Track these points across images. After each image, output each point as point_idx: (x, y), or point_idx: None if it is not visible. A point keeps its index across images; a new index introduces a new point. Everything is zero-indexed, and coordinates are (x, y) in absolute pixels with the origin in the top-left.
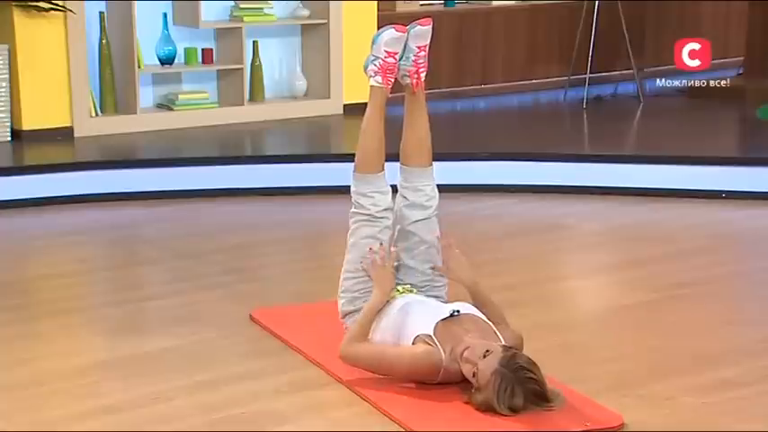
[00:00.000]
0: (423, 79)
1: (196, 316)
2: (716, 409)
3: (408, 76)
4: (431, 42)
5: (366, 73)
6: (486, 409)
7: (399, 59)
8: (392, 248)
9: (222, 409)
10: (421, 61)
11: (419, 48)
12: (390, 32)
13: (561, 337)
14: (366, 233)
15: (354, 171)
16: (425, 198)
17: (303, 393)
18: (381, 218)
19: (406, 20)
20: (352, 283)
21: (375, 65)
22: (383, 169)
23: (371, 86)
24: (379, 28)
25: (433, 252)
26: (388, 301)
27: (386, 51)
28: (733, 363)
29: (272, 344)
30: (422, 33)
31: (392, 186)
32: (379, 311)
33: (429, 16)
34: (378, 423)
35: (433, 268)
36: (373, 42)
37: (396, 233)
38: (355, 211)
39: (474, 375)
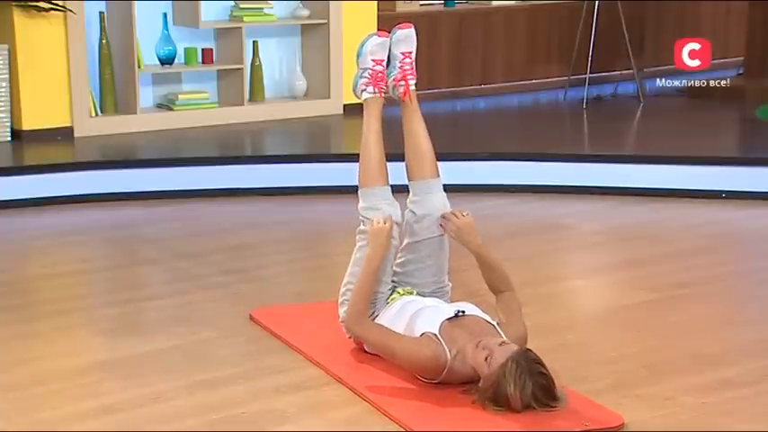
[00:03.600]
0: (411, 87)
1: (196, 316)
2: (716, 409)
3: (396, 86)
4: (426, 44)
5: (357, 92)
6: (494, 393)
7: (388, 76)
8: (394, 269)
9: (222, 409)
10: (407, 68)
11: (404, 54)
12: (373, 39)
13: (561, 337)
14: None
15: (360, 188)
16: (435, 212)
17: (303, 393)
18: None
19: (406, 20)
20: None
21: (365, 77)
22: (388, 183)
23: (365, 100)
24: (378, 28)
25: (440, 266)
26: (387, 302)
27: (372, 60)
28: (733, 363)
29: (272, 344)
30: (403, 38)
31: (394, 186)
32: (378, 302)
33: (408, 21)
34: (378, 423)
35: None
36: (358, 56)
37: (403, 245)
38: (363, 228)
39: (487, 359)
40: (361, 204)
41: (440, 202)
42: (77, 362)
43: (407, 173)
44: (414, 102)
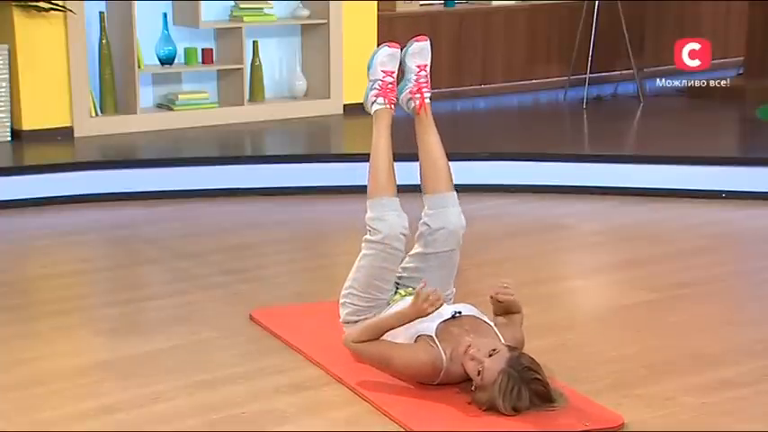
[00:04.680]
0: (427, 100)
1: (196, 316)
2: (716, 409)
3: (411, 99)
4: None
5: (367, 105)
6: (489, 407)
7: (400, 92)
8: (399, 267)
9: (222, 409)
10: (422, 81)
11: (419, 67)
12: (383, 50)
13: (561, 337)
14: (377, 263)
15: (369, 199)
16: (450, 226)
17: (303, 393)
18: (394, 249)
19: (406, 20)
20: (357, 300)
21: (375, 89)
22: (396, 195)
23: (375, 111)
24: (378, 28)
25: (448, 278)
26: (388, 303)
27: (383, 71)
28: (733, 363)
29: (272, 344)
30: (419, 50)
31: (400, 185)
32: (380, 314)
33: (424, 34)
34: (378, 423)
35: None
36: (369, 68)
37: (413, 251)
38: (369, 237)
39: (479, 374)
40: (368, 215)
41: (455, 217)
42: (77, 362)
43: (422, 186)
44: (429, 115)
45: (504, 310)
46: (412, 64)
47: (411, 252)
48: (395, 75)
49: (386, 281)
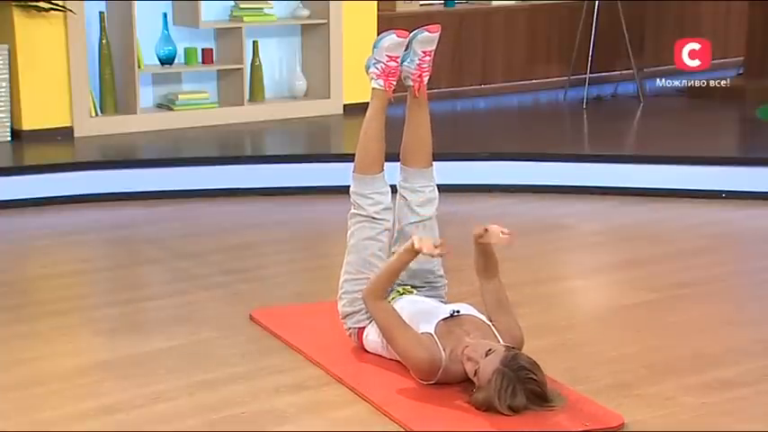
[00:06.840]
0: (425, 82)
1: (196, 316)
2: (716, 409)
3: (411, 79)
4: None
5: (368, 74)
6: (487, 407)
7: (402, 62)
8: (392, 250)
9: (222, 409)
10: (425, 66)
11: (425, 53)
12: (391, 38)
13: (561, 337)
14: (366, 234)
15: (354, 172)
16: (424, 199)
17: (303, 393)
18: (381, 219)
19: (406, 20)
20: (352, 285)
21: (377, 68)
22: (382, 170)
23: (373, 88)
24: (378, 28)
25: None
26: (388, 302)
27: (387, 56)
28: (733, 363)
29: (272, 344)
30: (430, 40)
31: (392, 186)
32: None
33: (438, 23)
34: (378, 423)
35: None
36: (374, 47)
37: (395, 233)
38: (355, 212)
39: (476, 374)
40: (353, 188)
41: (429, 189)
42: (77, 362)
43: (402, 156)
44: (424, 96)
45: (483, 266)
46: (418, 49)
47: (395, 237)
48: (399, 60)
49: (377, 257)
